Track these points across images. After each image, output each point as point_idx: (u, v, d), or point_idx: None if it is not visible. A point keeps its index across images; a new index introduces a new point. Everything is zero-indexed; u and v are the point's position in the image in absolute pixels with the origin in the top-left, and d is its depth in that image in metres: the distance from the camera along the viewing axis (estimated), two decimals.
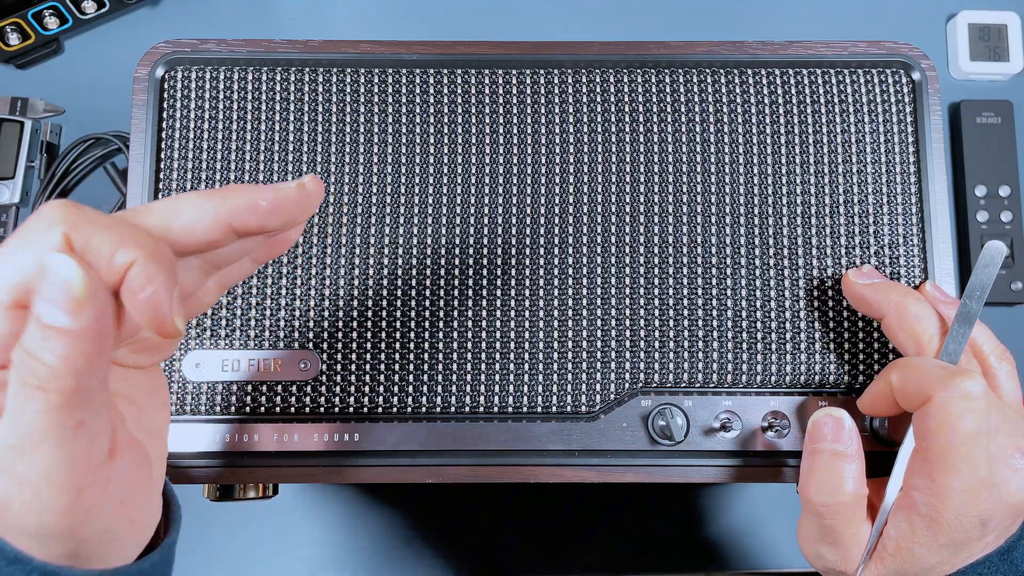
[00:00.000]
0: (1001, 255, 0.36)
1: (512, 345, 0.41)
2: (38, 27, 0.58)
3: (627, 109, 0.43)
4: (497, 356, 0.41)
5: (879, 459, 0.38)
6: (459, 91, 0.43)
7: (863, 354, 0.41)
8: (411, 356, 0.41)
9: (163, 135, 0.42)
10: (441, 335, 0.41)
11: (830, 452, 0.35)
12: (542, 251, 0.42)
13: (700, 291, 0.41)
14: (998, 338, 0.37)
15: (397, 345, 0.41)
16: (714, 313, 0.41)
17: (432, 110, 0.43)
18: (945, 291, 0.40)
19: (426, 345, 0.41)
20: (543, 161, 0.42)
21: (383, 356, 0.41)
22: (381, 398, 0.40)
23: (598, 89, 0.43)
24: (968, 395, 0.32)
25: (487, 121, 0.43)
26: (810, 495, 0.35)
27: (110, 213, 0.25)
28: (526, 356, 0.41)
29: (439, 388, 0.41)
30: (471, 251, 0.41)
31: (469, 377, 0.41)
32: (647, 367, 0.41)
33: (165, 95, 0.43)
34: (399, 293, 0.41)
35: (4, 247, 0.25)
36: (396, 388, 0.40)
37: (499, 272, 0.41)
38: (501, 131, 0.43)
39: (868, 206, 0.42)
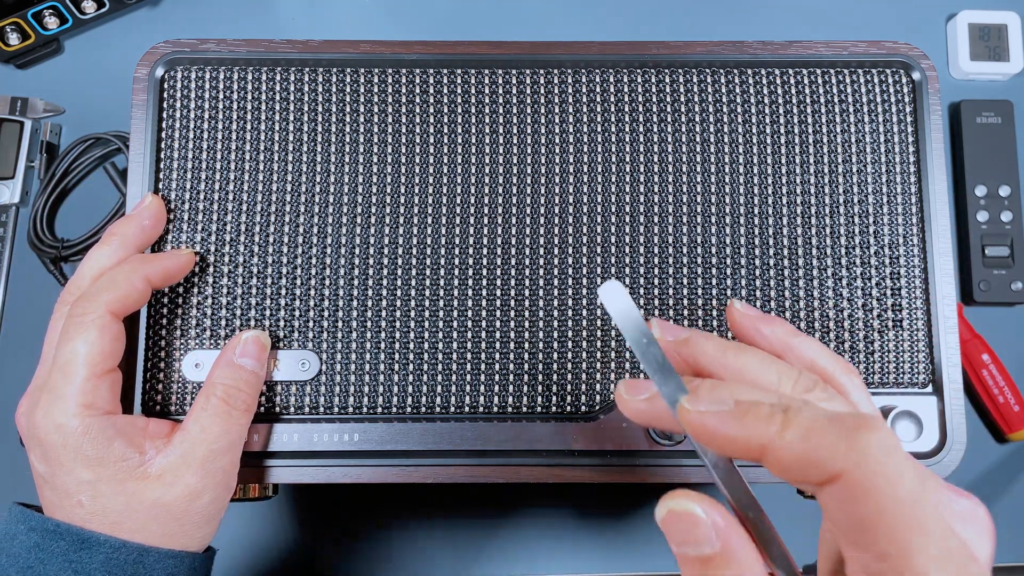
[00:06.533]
0: (620, 289, 0.29)
1: (512, 345, 0.41)
2: (38, 27, 0.58)
3: (627, 109, 0.43)
4: (497, 356, 0.41)
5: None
6: (459, 91, 0.43)
7: (863, 353, 0.41)
8: (411, 356, 0.41)
9: (163, 135, 0.42)
10: (441, 335, 0.41)
11: (694, 558, 0.26)
12: (542, 251, 0.42)
13: (700, 291, 0.41)
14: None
15: (397, 345, 0.41)
16: (714, 313, 0.41)
17: (432, 110, 0.43)
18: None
19: (426, 345, 0.41)
20: (543, 161, 0.42)
21: (383, 356, 0.41)
22: (381, 398, 0.40)
23: (598, 89, 0.43)
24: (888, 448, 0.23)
25: (487, 121, 0.43)
26: None
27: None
28: (526, 356, 0.41)
29: (439, 388, 0.41)
30: (471, 251, 0.41)
31: (469, 377, 0.41)
32: None
33: (165, 95, 0.43)
34: (399, 293, 0.41)
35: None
36: (396, 388, 0.40)
37: (499, 272, 0.41)
38: (501, 131, 0.43)
39: (868, 206, 0.42)
